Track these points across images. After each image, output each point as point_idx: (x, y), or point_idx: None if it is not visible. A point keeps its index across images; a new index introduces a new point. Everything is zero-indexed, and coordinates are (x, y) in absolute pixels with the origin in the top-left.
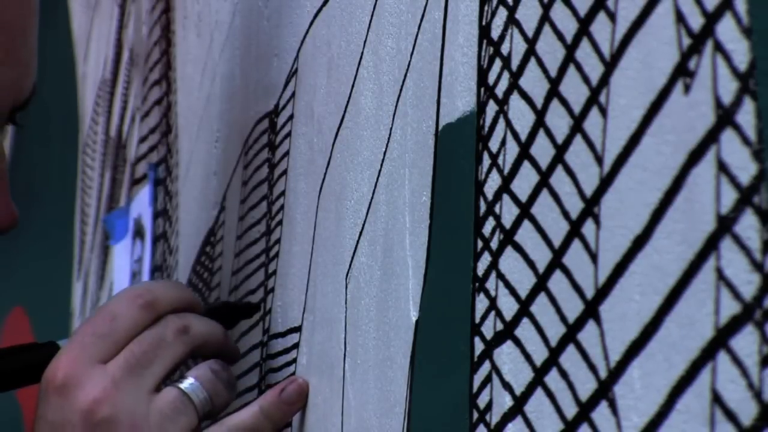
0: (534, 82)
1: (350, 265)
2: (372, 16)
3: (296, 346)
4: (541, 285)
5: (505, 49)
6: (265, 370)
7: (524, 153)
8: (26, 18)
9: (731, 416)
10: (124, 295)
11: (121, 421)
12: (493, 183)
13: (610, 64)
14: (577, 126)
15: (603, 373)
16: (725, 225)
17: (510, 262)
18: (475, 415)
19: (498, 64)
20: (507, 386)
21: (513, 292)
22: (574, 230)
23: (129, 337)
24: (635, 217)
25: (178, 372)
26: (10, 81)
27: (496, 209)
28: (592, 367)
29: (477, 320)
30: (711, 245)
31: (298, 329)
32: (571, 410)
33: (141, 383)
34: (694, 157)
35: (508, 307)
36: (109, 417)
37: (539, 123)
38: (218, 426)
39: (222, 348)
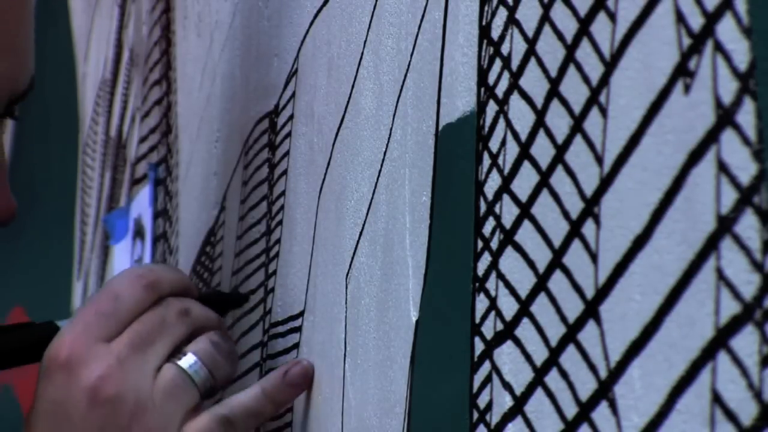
0: (534, 82)
1: (350, 265)
2: (372, 16)
3: (296, 346)
4: (541, 285)
5: (505, 49)
6: (265, 370)
7: (524, 153)
8: (21, 9)
9: (731, 416)
10: (127, 275)
11: (126, 399)
12: (493, 183)
13: (610, 64)
14: (577, 126)
15: (603, 373)
16: (725, 225)
17: (510, 262)
18: (475, 415)
19: (498, 64)
20: (507, 386)
21: (513, 292)
22: (574, 230)
23: (132, 317)
24: (635, 217)
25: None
26: (6, 73)
27: (497, 209)
28: (593, 367)
29: (477, 320)
30: (711, 245)
31: (298, 329)
32: (571, 410)
33: (145, 362)
34: (694, 157)
35: (509, 307)
36: (114, 395)
37: (539, 123)
38: (220, 406)
39: (218, 328)
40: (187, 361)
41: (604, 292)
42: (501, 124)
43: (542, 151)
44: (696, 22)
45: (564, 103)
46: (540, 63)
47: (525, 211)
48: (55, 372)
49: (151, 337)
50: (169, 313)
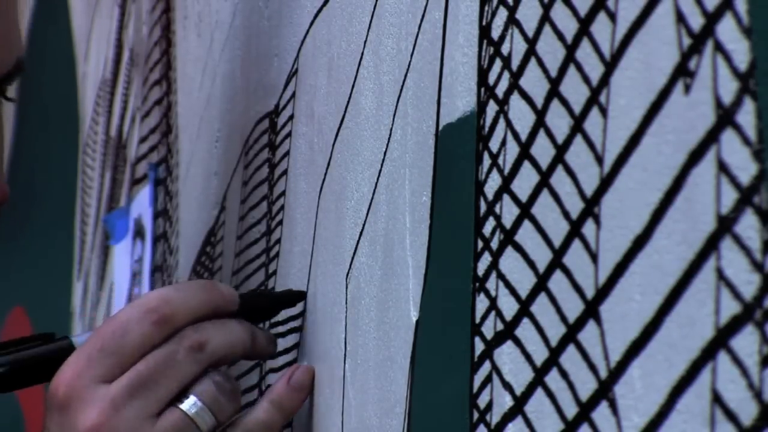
0: (534, 82)
1: (350, 265)
2: (372, 16)
3: (296, 346)
4: (541, 285)
5: (505, 49)
6: (265, 370)
7: (524, 153)
8: None
9: (731, 416)
10: (139, 308)
11: None
12: (493, 183)
13: (611, 64)
14: (578, 126)
15: (603, 373)
16: (725, 225)
17: (510, 262)
18: (476, 415)
19: (498, 64)
20: (507, 386)
21: (513, 292)
22: (575, 230)
23: (138, 355)
24: (635, 217)
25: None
26: None
27: (497, 209)
28: (593, 367)
29: (477, 320)
30: (711, 245)
31: (298, 329)
32: (571, 410)
33: (143, 406)
34: (695, 157)
35: (509, 307)
36: None
37: (539, 123)
38: (232, 429)
39: (246, 356)
40: (189, 403)
41: (604, 292)
42: (501, 124)
43: (542, 151)
44: (696, 22)
45: (564, 103)
46: (540, 63)
47: (525, 211)
48: (55, 411)
49: (153, 378)
50: (180, 350)
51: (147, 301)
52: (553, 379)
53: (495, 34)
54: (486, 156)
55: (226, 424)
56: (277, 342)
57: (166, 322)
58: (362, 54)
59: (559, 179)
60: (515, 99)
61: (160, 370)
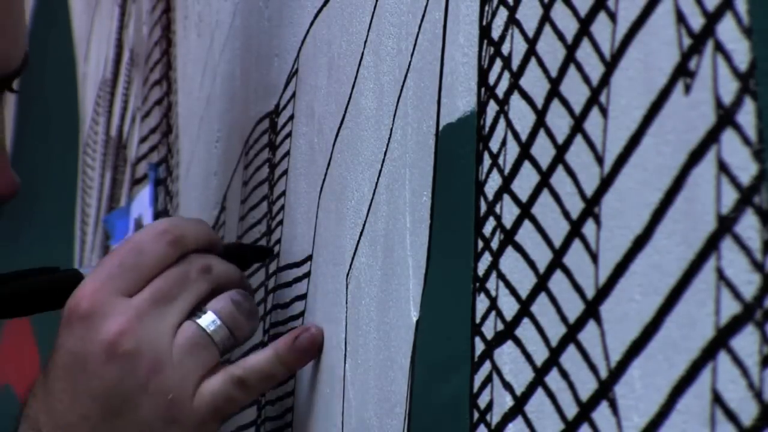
0: (534, 82)
1: (351, 266)
2: (372, 16)
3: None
4: (541, 285)
5: (505, 49)
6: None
7: (525, 153)
8: None
9: (732, 416)
10: (152, 230)
11: (143, 354)
12: (493, 183)
13: (611, 64)
14: (578, 126)
15: (603, 373)
16: (726, 225)
17: (510, 262)
18: (476, 415)
19: (498, 64)
20: (507, 386)
21: (513, 292)
22: (575, 230)
23: (155, 272)
24: (636, 217)
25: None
26: None
27: (497, 209)
28: (593, 367)
29: (477, 320)
30: (711, 245)
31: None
32: (571, 410)
33: (165, 318)
34: (695, 157)
35: (509, 307)
36: (132, 350)
37: (540, 123)
38: (235, 367)
39: (242, 286)
40: (207, 319)
41: (604, 292)
42: (501, 124)
43: (542, 151)
44: (696, 22)
45: (564, 103)
46: (540, 63)
47: (525, 211)
48: (75, 323)
49: (172, 293)
50: (192, 270)
51: (159, 224)
52: (553, 379)
53: (495, 34)
54: (486, 156)
55: (240, 345)
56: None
57: (178, 244)
58: (362, 54)
59: (559, 179)
60: (515, 99)
61: (177, 285)
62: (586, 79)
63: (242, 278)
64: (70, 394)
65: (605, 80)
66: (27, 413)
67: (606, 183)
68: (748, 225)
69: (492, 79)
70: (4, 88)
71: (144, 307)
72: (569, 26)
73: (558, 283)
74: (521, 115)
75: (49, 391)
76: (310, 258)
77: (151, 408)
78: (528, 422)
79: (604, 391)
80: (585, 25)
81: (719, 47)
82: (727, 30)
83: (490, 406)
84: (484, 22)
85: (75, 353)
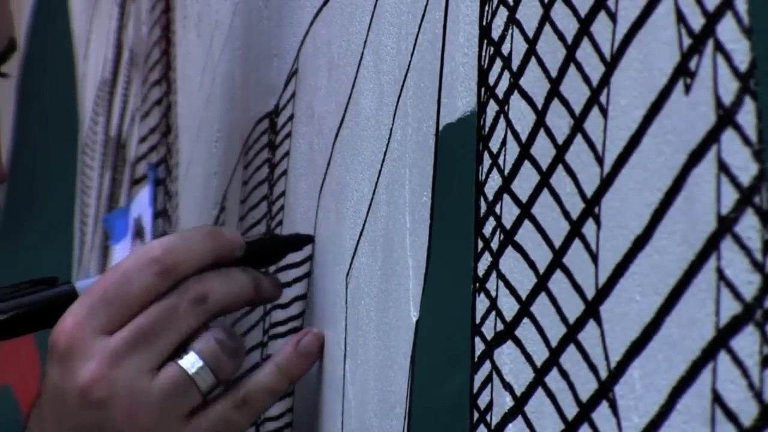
0: (534, 82)
1: (350, 266)
2: (372, 16)
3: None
4: (541, 285)
5: (505, 49)
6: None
7: (525, 153)
8: None
9: (732, 416)
10: (142, 257)
11: (117, 402)
12: (493, 183)
13: (611, 64)
14: (578, 126)
15: (603, 374)
16: (726, 225)
17: (510, 262)
18: (476, 416)
19: (498, 64)
20: (507, 386)
21: (513, 292)
22: (575, 230)
23: (140, 305)
24: (636, 218)
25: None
26: None
27: (497, 209)
28: (593, 368)
29: (477, 320)
30: (711, 245)
31: (298, 329)
32: (571, 410)
33: (143, 359)
34: (695, 157)
35: (509, 307)
36: (105, 397)
37: (540, 123)
38: (235, 391)
39: (249, 304)
40: (189, 360)
41: (604, 292)
42: (501, 124)
43: (542, 151)
44: (696, 22)
45: (564, 103)
46: (540, 63)
47: (525, 211)
48: (55, 360)
49: (155, 332)
50: (182, 303)
51: (150, 249)
52: (553, 379)
53: (495, 34)
54: (486, 156)
55: (227, 383)
56: (277, 342)
57: (169, 273)
58: (362, 54)
59: (559, 179)
60: (515, 99)
61: (161, 323)
62: (586, 79)
63: (253, 290)
64: (56, 425)
65: (605, 80)
66: None
67: (606, 183)
68: (748, 225)
69: (492, 79)
70: None
71: (120, 349)
72: (569, 26)
73: (558, 283)
74: (521, 115)
75: (41, 417)
76: (310, 258)
77: None
78: (528, 422)
79: (604, 391)
80: (585, 25)
81: (719, 47)
82: (727, 30)
83: (490, 406)
84: (484, 22)
85: (55, 390)
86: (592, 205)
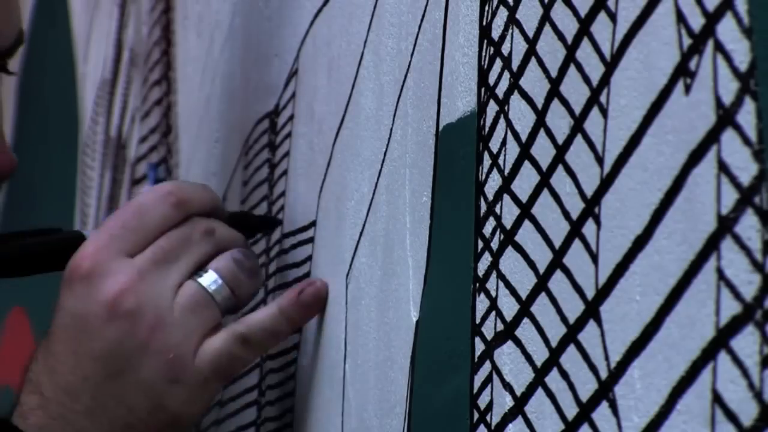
0: (534, 82)
1: (350, 266)
2: (372, 16)
3: (296, 346)
4: (541, 285)
5: (505, 49)
6: (265, 370)
7: (525, 153)
8: None
9: (732, 416)
10: (156, 192)
11: (145, 313)
12: (493, 183)
13: (611, 64)
14: (578, 126)
15: (603, 374)
16: (726, 225)
17: (510, 262)
18: (476, 416)
19: (498, 64)
20: (507, 386)
21: (513, 292)
22: (575, 230)
23: (157, 233)
24: (636, 218)
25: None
26: None
27: (497, 209)
28: (593, 368)
29: (477, 320)
30: (711, 245)
31: (298, 330)
32: (571, 410)
33: (166, 277)
34: (695, 157)
35: (509, 307)
36: (133, 308)
37: (540, 123)
38: (238, 324)
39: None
40: (209, 278)
41: (604, 292)
42: (501, 124)
43: (542, 151)
44: (696, 22)
45: (564, 103)
46: (540, 63)
47: (525, 211)
48: (77, 283)
49: (174, 253)
50: (195, 232)
51: (163, 186)
52: (553, 379)
53: (495, 34)
54: (486, 156)
55: (243, 306)
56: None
57: (182, 205)
58: (362, 54)
59: (559, 179)
60: (515, 99)
61: (180, 246)
62: (586, 79)
63: (245, 243)
64: (70, 355)
65: (605, 80)
66: (29, 377)
67: (606, 183)
68: (748, 225)
69: (492, 79)
70: None
71: (146, 267)
72: (569, 26)
73: (558, 283)
74: (521, 115)
75: (50, 352)
76: (309, 258)
77: (152, 368)
78: (528, 422)
79: (604, 391)
80: (585, 25)
81: (719, 47)
82: (727, 30)
83: (490, 406)
84: (484, 22)
85: (75, 314)
86: (592, 205)
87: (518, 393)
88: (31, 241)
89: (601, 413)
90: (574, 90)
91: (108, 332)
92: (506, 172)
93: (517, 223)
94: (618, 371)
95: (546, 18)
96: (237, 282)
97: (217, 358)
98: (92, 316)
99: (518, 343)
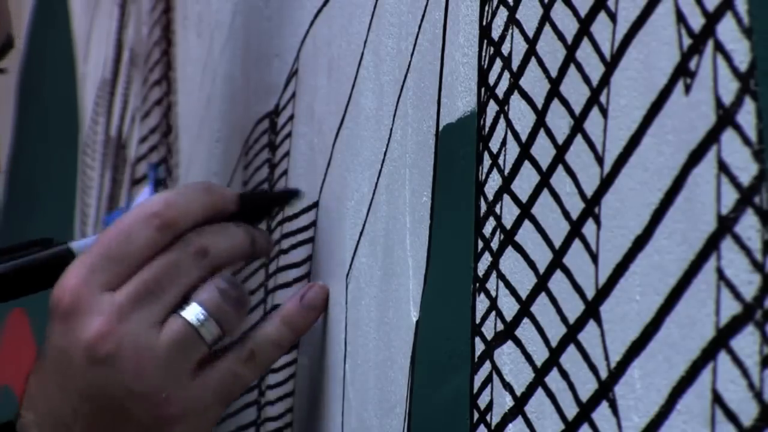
0: (534, 82)
1: (351, 266)
2: (372, 16)
3: (296, 346)
4: (541, 285)
5: (505, 49)
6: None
7: (525, 153)
8: None
9: (732, 416)
10: (143, 213)
11: (125, 357)
12: (493, 183)
13: (611, 64)
14: (578, 126)
15: (603, 374)
16: (726, 225)
17: (510, 262)
18: (476, 416)
19: (498, 64)
20: (507, 386)
21: (513, 292)
22: (575, 230)
23: (142, 261)
24: (636, 218)
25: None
26: None
27: (497, 209)
28: (593, 368)
29: (477, 320)
30: (711, 245)
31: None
32: (571, 410)
33: (149, 314)
34: (695, 157)
35: (509, 307)
36: (113, 352)
37: (540, 123)
38: (241, 344)
39: (247, 258)
40: (193, 312)
41: (604, 292)
42: (501, 124)
43: (542, 151)
44: (696, 22)
45: (564, 103)
46: (540, 63)
47: (525, 211)
48: (57, 319)
49: (159, 286)
50: (184, 255)
51: (150, 205)
52: (553, 379)
53: (495, 34)
54: (486, 156)
55: (234, 337)
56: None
57: (169, 227)
58: (362, 54)
59: (559, 179)
60: (515, 99)
61: (164, 277)
62: (586, 79)
63: (249, 245)
64: (58, 389)
65: (605, 80)
66: (28, 391)
67: (606, 183)
68: (748, 225)
69: (492, 79)
70: None
71: (126, 305)
72: (569, 26)
73: (558, 283)
74: (521, 115)
75: (42, 379)
76: (309, 258)
77: (143, 411)
78: (528, 422)
79: (604, 391)
80: (585, 25)
81: (719, 47)
82: (727, 30)
83: (490, 406)
84: (484, 22)
85: (60, 349)
86: (592, 205)
87: (518, 393)
88: (17, 261)
89: (601, 413)
90: (574, 90)
91: (90, 376)
92: (506, 172)
93: (517, 223)
94: (618, 371)
95: (546, 18)
96: (223, 314)
97: (220, 385)
98: (74, 357)
99: (518, 343)
